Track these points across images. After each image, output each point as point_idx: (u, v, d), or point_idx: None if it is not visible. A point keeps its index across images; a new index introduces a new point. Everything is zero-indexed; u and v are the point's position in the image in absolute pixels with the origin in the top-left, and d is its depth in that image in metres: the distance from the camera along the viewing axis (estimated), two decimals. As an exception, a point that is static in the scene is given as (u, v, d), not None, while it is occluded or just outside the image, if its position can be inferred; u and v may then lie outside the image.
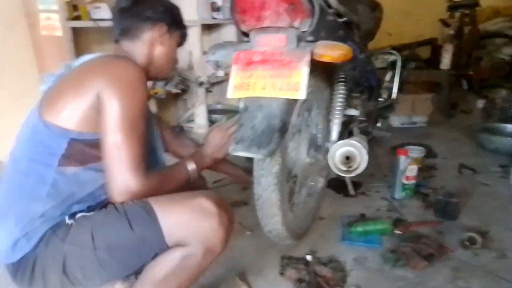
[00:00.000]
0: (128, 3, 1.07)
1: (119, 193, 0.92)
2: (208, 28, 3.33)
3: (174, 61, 1.18)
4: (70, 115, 0.92)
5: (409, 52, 2.41)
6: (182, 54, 2.91)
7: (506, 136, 2.54)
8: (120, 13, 1.08)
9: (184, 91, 2.83)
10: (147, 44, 1.08)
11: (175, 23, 1.12)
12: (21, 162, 0.96)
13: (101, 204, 0.97)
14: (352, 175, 1.28)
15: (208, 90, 2.98)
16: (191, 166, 1.10)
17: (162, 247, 0.92)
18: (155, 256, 0.93)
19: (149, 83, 2.31)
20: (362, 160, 1.27)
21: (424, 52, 5.10)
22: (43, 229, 0.90)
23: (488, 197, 1.92)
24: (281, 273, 1.36)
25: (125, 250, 0.91)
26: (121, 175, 0.91)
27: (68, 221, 0.92)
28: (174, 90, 2.53)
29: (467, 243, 1.45)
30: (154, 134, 1.16)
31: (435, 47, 4.78)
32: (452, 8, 3.33)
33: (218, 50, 1.26)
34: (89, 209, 0.95)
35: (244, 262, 1.46)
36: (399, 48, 3.64)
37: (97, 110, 0.92)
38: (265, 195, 1.23)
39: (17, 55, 2.02)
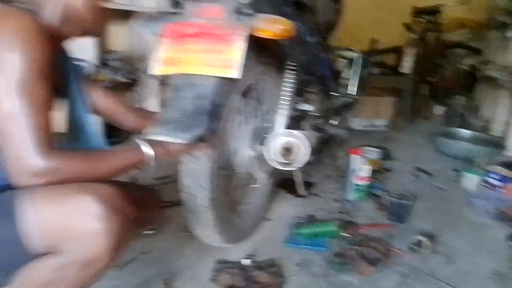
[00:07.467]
0: None
1: (22, 175, 0.74)
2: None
3: (103, 12, 0.94)
4: None
5: (370, 52, 2.34)
6: (137, 43, 2.73)
7: (462, 141, 2.51)
8: None
9: (135, 82, 2.63)
10: None
11: None
12: None
13: None
14: (291, 168, 1.15)
15: (162, 83, 2.80)
16: (148, 151, 0.89)
17: (22, 253, 0.73)
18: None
19: (93, 64, 2.13)
20: (303, 152, 1.14)
21: (390, 59, 5.15)
22: None
23: (442, 201, 1.86)
24: (213, 279, 1.21)
25: None
26: (21, 151, 0.73)
27: None
28: (122, 80, 2.33)
29: (414, 247, 1.36)
30: (80, 108, 0.98)
31: (401, 54, 4.83)
32: (416, 14, 3.34)
33: (150, 22, 1.11)
34: None
35: (177, 265, 1.30)
36: (367, 53, 3.63)
37: None
38: (194, 189, 1.08)
39: None
